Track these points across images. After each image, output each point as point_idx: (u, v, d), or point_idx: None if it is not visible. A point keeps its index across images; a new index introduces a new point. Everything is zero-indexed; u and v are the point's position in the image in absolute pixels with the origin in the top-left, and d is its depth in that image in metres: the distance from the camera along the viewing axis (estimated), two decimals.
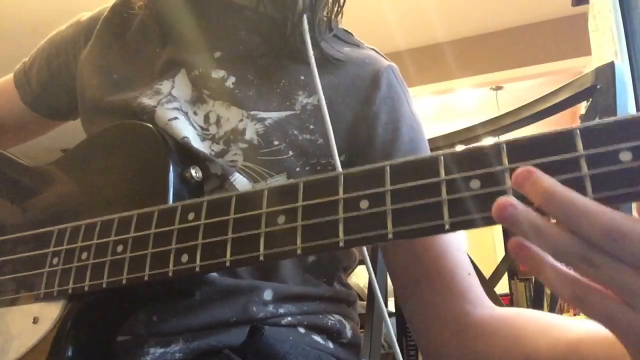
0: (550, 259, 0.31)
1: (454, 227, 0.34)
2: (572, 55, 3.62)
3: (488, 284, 1.06)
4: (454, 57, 3.79)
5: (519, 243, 0.31)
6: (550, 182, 0.30)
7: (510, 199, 0.31)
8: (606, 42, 2.32)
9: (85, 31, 0.73)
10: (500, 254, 4.43)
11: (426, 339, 0.60)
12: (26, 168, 0.68)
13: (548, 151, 0.33)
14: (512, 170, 0.33)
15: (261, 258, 0.41)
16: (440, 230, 0.35)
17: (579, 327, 0.46)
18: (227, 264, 0.43)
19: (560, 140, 0.33)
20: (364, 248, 0.59)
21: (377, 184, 0.38)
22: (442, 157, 0.36)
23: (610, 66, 0.74)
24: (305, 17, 0.62)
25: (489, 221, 0.33)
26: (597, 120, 0.32)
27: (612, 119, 0.32)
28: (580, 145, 0.32)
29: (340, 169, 0.57)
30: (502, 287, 4.75)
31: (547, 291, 1.12)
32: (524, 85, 4.43)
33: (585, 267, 0.30)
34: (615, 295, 0.30)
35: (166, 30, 0.67)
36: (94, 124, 0.66)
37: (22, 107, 0.79)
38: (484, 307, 0.58)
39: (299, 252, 0.40)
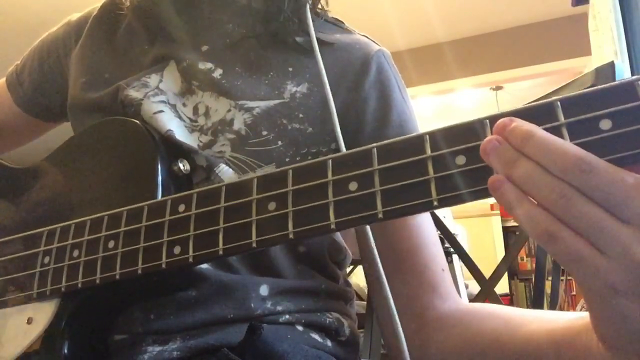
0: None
1: (442, 203, 0.36)
2: (572, 55, 3.62)
3: (488, 284, 1.05)
4: (454, 57, 3.79)
5: (498, 178, 0.33)
6: (530, 125, 0.32)
7: (495, 136, 0.33)
8: (606, 42, 2.32)
9: (76, 30, 0.73)
10: (500, 254, 4.44)
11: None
12: (11, 170, 0.67)
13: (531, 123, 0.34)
14: None
15: (254, 245, 0.42)
16: (429, 206, 0.36)
17: (543, 318, 0.46)
18: (220, 252, 0.43)
19: (542, 112, 0.33)
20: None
21: (365, 166, 0.39)
22: (427, 136, 0.37)
23: (610, 66, 0.74)
24: (307, 4, 0.62)
25: (475, 195, 0.35)
26: (577, 92, 0.33)
27: (591, 89, 0.32)
28: (561, 116, 0.33)
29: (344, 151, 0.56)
30: (502, 287, 4.75)
31: (547, 291, 1.12)
32: (524, 85, 4.44)
33: (557, 198, 0.31)
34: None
35: (153, 28, 0.66)
36: (81, 121, 0.66)
37: (15, 110, 0.79)
38: (452, 301, 0.58)
39: (291, 236, 0.40)
